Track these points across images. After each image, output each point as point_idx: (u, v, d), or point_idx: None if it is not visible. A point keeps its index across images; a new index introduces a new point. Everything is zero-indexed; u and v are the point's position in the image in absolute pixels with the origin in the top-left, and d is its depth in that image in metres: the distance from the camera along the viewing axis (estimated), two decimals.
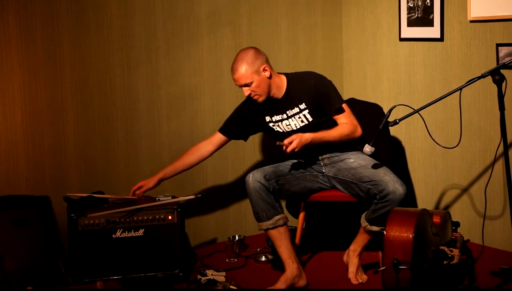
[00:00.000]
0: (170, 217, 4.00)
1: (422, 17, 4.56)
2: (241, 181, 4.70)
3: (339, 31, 5.10)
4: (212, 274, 3.99)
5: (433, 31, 4.51)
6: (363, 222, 3.83)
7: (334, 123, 3.94)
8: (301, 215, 4.20)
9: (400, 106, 3.80)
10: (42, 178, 4.16)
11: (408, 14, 4.64)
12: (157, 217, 3.98)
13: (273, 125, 4.01)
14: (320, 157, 4.01)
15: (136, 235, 3.95)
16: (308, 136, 3.81)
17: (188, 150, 4.16)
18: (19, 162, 4.09)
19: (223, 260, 4.35)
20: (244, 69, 3.83)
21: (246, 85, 3.86)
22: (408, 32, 4.67)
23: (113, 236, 3.93)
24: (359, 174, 3.87)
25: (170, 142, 4.54)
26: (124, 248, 3.93)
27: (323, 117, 3.94)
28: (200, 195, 4.11)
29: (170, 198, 4.09)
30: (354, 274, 3.91)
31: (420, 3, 4.55)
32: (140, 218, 3.96)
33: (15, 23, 4.02)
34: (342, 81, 5.15)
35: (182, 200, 4.08)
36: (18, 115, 4.07)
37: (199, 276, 3.97)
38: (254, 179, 3.83)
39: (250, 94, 3.88)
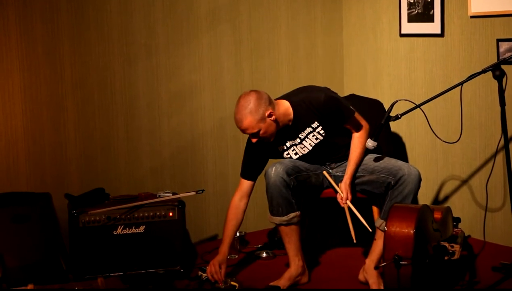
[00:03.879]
0: (171, 214, 4.00)
1: (422, 13, 4.56)
2: None
3: (339, 27, 5.10)
4: None
5: (434, 27, 4.50)
6: (378, 222, 3.80)
7: (345, 130, 3.92)
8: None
9: (401, 102, 3.80)
10: (43, 175, 4.16)
11: (408, 9, 4.64)
12: (158, 213, 3.98)
13: (287, 153, 3.95)
14: (326, 163, 4.02)
15: (137, 231, 3.95)
16: (348, 180, 3.82)
17: (229, 214, 3.94)
18: (19, 159, 4.09)
19: None
20: (248, 120, 3.69)
21: (253, 134, 3.74)
22: (409, 27, 4.66)
23: (114, 232, 3.93)
24: (370, 167, 3.87)
25: (170, 139, 4.54)
26: (125, 244, 3.93)
27: (335, 129, 3.90)
28: (200, 191, 4.10)
29: (171, 194, 4.10)
30: (377, 286, 3.77)
31: None
32: (141, 214, 3.96)
33: (15, 20, 4.01)
34: (342, 77, 5.15)
35: (182, 196, 4.08)
36: (18, 113, 4.07)
37: (200, 273, 3.96)
38: (277, 173, 3.76)
39: (258, 140, 3.77)
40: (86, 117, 4.27)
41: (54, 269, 3.78)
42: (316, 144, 3.89)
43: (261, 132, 3.72)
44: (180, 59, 4.53)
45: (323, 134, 3.87)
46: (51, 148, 4.18)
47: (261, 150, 3.91)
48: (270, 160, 3.98)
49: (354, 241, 3.70)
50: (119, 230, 3.94)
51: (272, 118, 3.73)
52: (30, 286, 3.57)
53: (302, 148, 3.91)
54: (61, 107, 4.19)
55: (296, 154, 3.93)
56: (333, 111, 3.82)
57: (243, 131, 3.75)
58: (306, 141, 3.88)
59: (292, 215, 3.81)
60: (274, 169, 3.78)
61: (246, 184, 3.94)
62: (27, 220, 3.79)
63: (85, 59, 4.24)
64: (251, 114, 3.68)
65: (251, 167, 3.94)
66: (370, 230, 3.74)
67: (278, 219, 3.82)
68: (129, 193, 4.25)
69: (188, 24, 4.53)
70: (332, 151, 3.95)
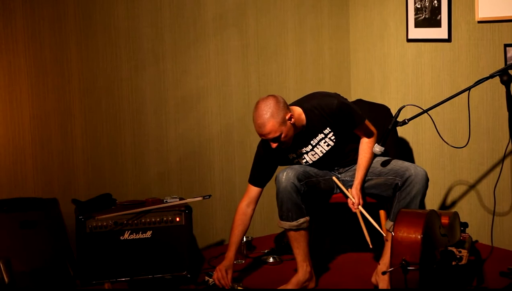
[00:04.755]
0: (177, 219, 4.00)
1: (429, 18, 4.55)
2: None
3: (346, 32, 5.10)
4: None
5: (441, 32, 4.50)
6: (388, 224, 3.78)
7: (354, 135, 3.92)
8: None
9: (408, 107, 3.79)
10: (50, 180, 4.17)
11: (415, 15, 4.63)
12: (164, 218, 3.98)
13: (297, 161, 3.93)
14: (335, 168, 4.01)
15: (144, 236, 3.96)
16: (358, 185, 3.82)
17: (235, 220, 3.91)
18: (27, 164, 4.10)
19: None
20: (271, 124, 3.63)
21: (275, 138, 3.69)
22: (416, 33, 4.66)
23: (121, 238, 3.93)
24: (377, 169, 3.86)
25: (177, 145, 4.54)
26: (132, 250, 3.94)
27: (345, 135, 3.89)
28: (207, 197, 4.10)
29: (178, 199, 4.10)
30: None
31: (427, 4, 4.54)
32: (148, 220, 3.96)
33: (23, 26, 4.03)
34: (349, 82, 5.14)
35: (189, 201, 4.09)
36: (26, 119, 4.08)
37: (206, 278, 3.96)
38: (288, 178, 3.75)
39: (278, 145, 3.72)
40: (94, 123, 4.28)
41: (61, 275, 3.78)
42: (327, 151, 3.89)
43: (282, 136, 3.68)
44: (187, 64, 4.54)
45: (334, 140, 3.87)
46: (59, 154, 4.19)
47: (271, 157, 3.89)
48: (278, 167, 3.96)
49: (370, 246, 3.69)
50: (126, 235, 3.94)
51: (292, 122, 3.71)
52: None
53: (313, 155, 3.90)
54: (68, 113, 4.20)
55: (306, 162, 3.92)
56: (345, 117, 3.82)
57: (265, 136, 3.69)
58: (317, 148, 3.88)
59: (301, 220, 3.80)
60: (285, 174, 3.76)
61: (254, 190, 3.93)
62: (34, 225, 3.79)
63: (92, 65, 4.25)
64: (273, 117, 3.64)
65: (261, 173, 3.92)
66: (385, 235, 3.72)
67: (287, 224, 3.81)
68: (136, 198, 4.26)
69: (195, 29, 4.54)
70: (341, 156, 3.94)
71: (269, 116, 3.64)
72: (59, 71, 4.16)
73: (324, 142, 3.87)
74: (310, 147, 3.89)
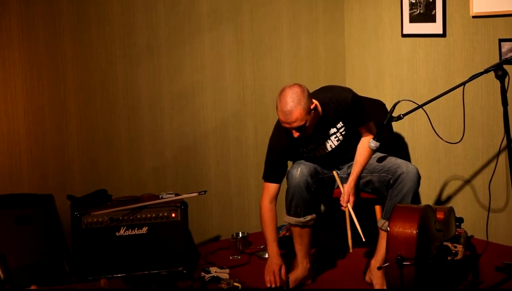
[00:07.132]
0: (173, 215, 4.00)
1: (424, 13, 4.55)
2: (244, 178, 4.73)
3: (341, 28, 5.10)
4: (216, 271, 3.99)
5: (436, 27, 4.50)
6: (381, 222, 3.78)
7: (357, 132, 3.91)
8: None
9: (403, 102, 3.79)
10: (45, 176, 4.16)
11: (410, 10, 4.63)
12: (160, 214, 3.98)
13: (307, 154, 3.89)
14: (339, 165, 3.99)
15: (140, 232, 3.95)
16: (352, 182, 3.77)
17: (266, 218, 3.82)
18: (22, 160, 4.09)
19: (226, 257, 4.35)
20: (298, 112, 3.54)
21: (299, 127, 3.62)
22: (410, 28, 4.66)
23: (117, 234, 3.93)
24: (371, 166, 3.86)
25: (172, 140, 4.54)
26: (128, 246, 3.94)
27: (353, 131, 3.87)
28: (203, 192, 4.10)
29: (173, 195, 4.10)
30: (381, 287, 3.77)
31: None
32: (144, 215, 3.96)
33: (17, 21, 4.02)
34: (344, 78, 5.14)
35: (185, 197, 4.08)
36: (20, 114, 4.07)
37: (203, 274, 3.97)
38: (302, 174, 3.72)
39: (299, 135, 3.66)
40: (89, 118, 4.27)
41: (57, 270, 3.78)
42: (336, 146, 3.87)
43: (306, 125, 3.62)
44: (182, 59, 4.53)
45: (344, 135, 3.85)
46: (54, 150, 4.18)
47: (286, 150, 3.85)
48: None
49: (350, 250, 3.68)
50: (121, 231, 3.94)
51: (315, 111, 3.66)
52: (33, 287, 3.58)
53: (322, 149, 3.87)
54: (63, 108, 4.20)
55: (314, 155, 3.89)
56: (358, 112, 3.81)
57: (289, 124, 3.59)
58: (328, 143, 3.85)
59: (309, 217, 3.80)
60: (300, 170, 3.74)
61: (273, 187, 3.85)
62: (29, 221, 3.79)
63: (87, 60, 4.24)
64: (300, 105, 3.56)
65: (278, 169, 3.85)
66: (364, 240, 3.65)
67: (294, 220, 3.80)
68: (132, 194, 4.26)
69: (189, 24, 4.53)
70: (346, 152, 3.93)
71: (297, 104, 3.56)
72: (53, 66, 4.15)
73: (335, 137, 3.85)
74: (321, 140, 3.85)
